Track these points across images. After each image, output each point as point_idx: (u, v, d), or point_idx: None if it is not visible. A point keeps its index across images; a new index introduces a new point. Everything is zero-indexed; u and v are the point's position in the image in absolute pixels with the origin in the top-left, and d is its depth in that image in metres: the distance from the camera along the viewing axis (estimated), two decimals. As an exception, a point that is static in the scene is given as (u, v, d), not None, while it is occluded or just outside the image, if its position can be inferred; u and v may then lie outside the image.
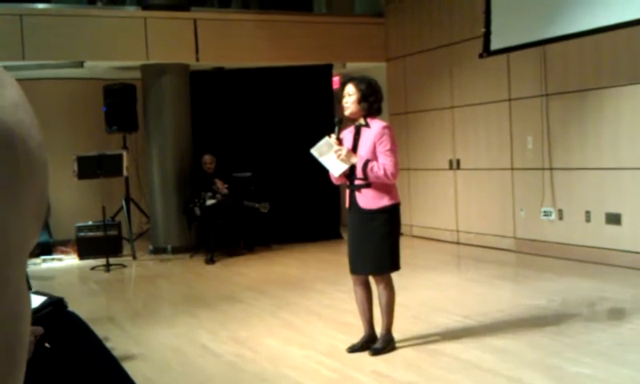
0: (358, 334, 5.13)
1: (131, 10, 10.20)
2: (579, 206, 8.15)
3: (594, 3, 7.40)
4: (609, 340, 5.04)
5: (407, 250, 9.64)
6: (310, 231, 10.77)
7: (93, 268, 9.26)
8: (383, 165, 4.73)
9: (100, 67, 10.45)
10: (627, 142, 7.57)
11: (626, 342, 5.01)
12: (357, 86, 4.85)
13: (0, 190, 0.59)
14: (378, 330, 5.05)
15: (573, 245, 8.22)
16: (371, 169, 4.74)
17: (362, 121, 4.89)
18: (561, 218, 8.41)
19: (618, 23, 7.12)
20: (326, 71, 11.08)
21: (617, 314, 5.88)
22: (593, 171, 7.98)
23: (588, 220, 8.05)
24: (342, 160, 4.81)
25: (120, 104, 10.37)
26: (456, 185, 10.09)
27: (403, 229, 10.65)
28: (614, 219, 7.73)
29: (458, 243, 10.02)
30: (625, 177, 7.60)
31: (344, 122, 5.04)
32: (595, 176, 7.95)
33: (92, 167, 9.54)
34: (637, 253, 7.46)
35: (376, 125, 4.85)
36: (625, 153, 7.60)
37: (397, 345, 5.05)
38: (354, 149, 4.86)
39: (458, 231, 10.10)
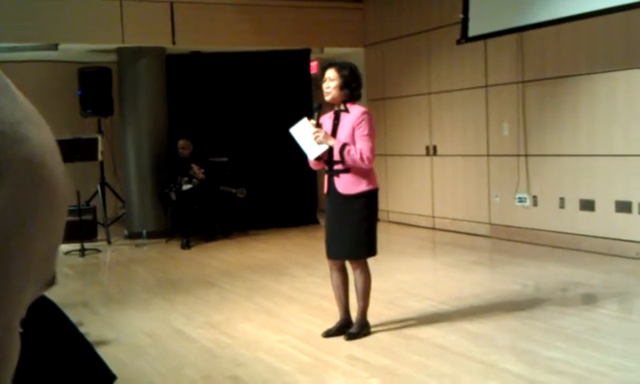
0: (333, 318, 5.14)
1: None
2: (553, 193, 8.22)
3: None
4: (581, 324, 5.10)
5: (383, 235, 9.66)
6: (287, 216, 10.76)
7: (67, 253, 9.18)
8: (360, 149, 4.73)
9: (75, 50, 10.32)
10: (602, 129, 7.63)
11: (598, 326, 5.07)
12: (339, 72, 4.84)
13: (38, 221, 0.55)
14: (354, 314, 5.07)
15: (547, 231, 8.30)
16: (348, 152, 4.73)
17: (341, 106, 4.88)
18: (535, 204, 8.48)
19: (594, 10, 7.16)
20: (303, 56, 11.05)
21: (589, 299, 5.95)
22: (567, 158, 8.04)
23: (562, 206, 8.12)
24: (320, 142, 4.81)
25: (95, 87, 10.26)
26: (432, 171, 10.13)
27: (380, 214, 10.70)
28: (587, 206, 7.81)
29: (433, 229, 10.07)
30: (599, 164, 7.67)
31: (323, 108, 5.03)
32: (570, 163, 8.01)
33: (66, 151, 9.30)
34: (609, 239, 7.55)
35: (355, 110, 4.85)
36: (599, 140, 7.67)
37: (372, 329, 5.07)
38: (334, 134, 4.85)
39: (433, 217, 10.14)
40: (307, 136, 4.86)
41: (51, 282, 0.60)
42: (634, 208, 7.30)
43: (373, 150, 4.78)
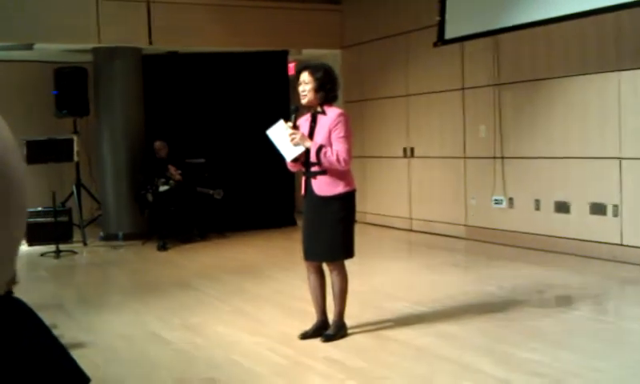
0: (310, 320, 5.13)
1: (83, -8, 9.99)
2: (529, 195, 8.29)
3: (546, -6, 7.50)
4: (556, 326, 5.14)
5: (361, 237, 9.63)
6: (265, 218, 10.74)
7: (42, 254, 9.09)
8: (336, 151, 4.74)
9: (50, 50, 10.22)
10: (576, 132, 7.71)
11: (573, 327, 5.12)
12: (313, 75, 4.83)
13: None
14: (331, 316, 5.07)
15: (522, 232, 8.36)
16: (324, 154, 4.74)
17: (318, 108, 4.88)
18: (511, 206, 8.54)
19: (569, 14, 7.22)
20: (281, 57, 11.04)
21: (564, 301, 6.00)
22: (543, 160, 8.11)
23: (537, 208, 8.19)
24: (296, 144, 4.80)
25: (71, 88, 10.16)
26: (410, 173, 10.16)
27: (357, 216, 10.70)
28: (562, 208, 7.88)
29: (410, 230, 10.11)
30: (574, 166, 7.74)
31: (300, 110, 5.02)
32: (545, 165, 8.08)
33: (42, 152, 9.35)
34: (584, 240, 7.62)
35: (332, 112, 4.84)
36: (574, 143, 7.74)
37: (349, 331, 5.07)
38: (311, 136, 4.85)
39: (411, 218, 10.18)
40: (284, 138, 4.85)
41: (12, 280, 0.59)
42: (609, 210, 7.38)
43: (349, 151, 4.78)
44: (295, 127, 4.86)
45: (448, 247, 8.79)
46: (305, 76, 4.85)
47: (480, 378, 4.15)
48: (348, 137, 4.80)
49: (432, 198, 9.76)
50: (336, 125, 4.78)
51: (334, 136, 4.77)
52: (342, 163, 4.74)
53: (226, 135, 10.63)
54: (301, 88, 4.87)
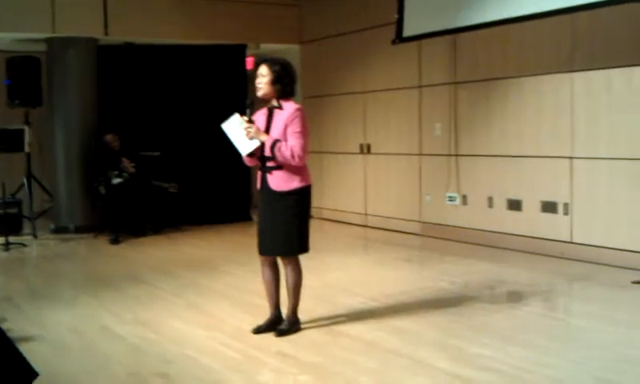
0: (263, 314, 5.12)
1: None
2: (482, 192, 8.40)
3: (502, -5, 7.60)
4: (507, 321, 5.22)
5: (316, 232, 9.67)
6: (220, 212, 10.68)
7: (-10, 247, 8.90)
8: (291, 146, 4.73)
9: (3, 39, 9.99)
10: (530, 131, 7.83)
11: (523, 323, 5.20)
12: (270, 68, 4.82)
13: None
14: (284, 311, 5.06)
15: (475, 229, 8.47)
16: (279, 148, 4.72)
17: (274, 103, 4.86)
18: (465, 203, 8.64)
19: (525, 15, 7.32)
20: (239, 51, 10.98)
21: (515, 297, 6.10)
22: (496, 158, 8.22)
23: (490, 206, 8.30)
24: (251, 138, 4.78)
25: (23, 77, 9.95)
26: (366, 169, 10.21)
27: (313, 211, 10.70)
28: (514, 205, 8.00)
29: (365, 226, 10.15)
30: (526, 164, 7.86)
31: (255, 104, 5.00)
32: (499, 163, 8.19)
33: (-8, 141, 9.18)
34: (535, 238, 7.75)
35: (289, 107, 4.83)
36: (527, 141, 7.86)
37: (302, 326, 5.07)
38: (267, 131, 4.83)
39: (366, 214, 10.23)
40: (239, 132, 4.83)
41: None
42: (559, 208, 7.51)
43: (304, 147, 4.77)
44: (250, 121, 4.84)
45: (403, 243, 8.85)
46: (262, 69, 4.84)
47: (432, 372, 4.19)
48: (304, 133, 4.79)
49: (388, 195, 9.81)
50: (292, 120, 4.77)
51: (289, 131, 4.76)
52: (296, 159, 4.73)
53: (182, 128, 10.54)
54: (257, 80, 4.85)
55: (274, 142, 4.74)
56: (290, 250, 4.91)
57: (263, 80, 4.82)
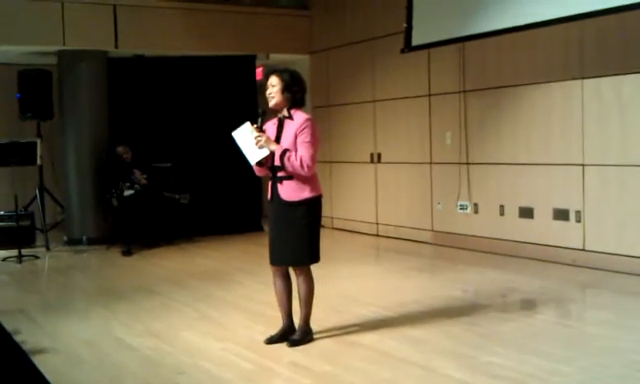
0: (276, 325, 5.12)
1: (48, -6, 9.88)
2: (494, 200, 8.38)
3: (511, 2, 7.60)
4: (519, 330, 5.21)
5: (328, 241, 9.69)
6: (232, 223, 10.70)
7: (4, 259, 8.94)
8: (300, 156, 4.74)
9: (14, 52, 10.08)
10: (540, 139, 7.81)
11: (536, 331, 5.18)
12: (280, 77, 4.86)
13: None
14: (297, 321, 5.06)
15: (487, 238, 8.45)
16: (288, 158, 4.74)
17: (285, 112, 4.88)
18: (476, 211, 8.63)
19: (534, 23, 7.32)
20: (249, 62, 11.02)
21: (527, 305, 6.08)
22: (507, 166, 8.21)
23: (502, 214, 8.28)
24: (261, 146, 4.81)
25: (35, 90, 10.02)
26: (376, 178, 10.21)
27: (324, 221, 10.72)
28: (526, 213, 7.98)
29: (377, 235, 10.15)
30: (538, 172, 7.85)
31: (267, 115, 5.01)
32: (510, 171, 8.18)
33: (4, 155, 9.26)
34: (547, 245, 7.73)
35: (299, 117, 4.85)
36: (538, 149, 7.84)
37: (315, 336, 5.07)
38: (277, 141, 4.85)
39: (377, 224, 10.22)
40: (249, 140, 4.85)
41: None
42: (571, 215, 7.49)
43: (313, 157, 4.78)
44: (261, 129, 4.87)
45: (414, 252, 8.84)
46: (272, 79, 4.87)
47: (445, 381, 4.18)
48: (313, 142, 4.80)
49: (399, 204, 9.81)
50: (302, 129, 4.79)
51: (299, 140, 4.77)
52: (305, 169, 4.74)
53: (193, 140, 10.58)
54: (268, 91, 4.88)
55: (284, 152, 4.75)
56: (301, 260, 4.91)
57: (274, 90, 4.85)
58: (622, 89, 6.97)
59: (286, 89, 4.83)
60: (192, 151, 10.56)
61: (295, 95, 4.87)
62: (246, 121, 4.98)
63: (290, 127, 4.83)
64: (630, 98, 6.91)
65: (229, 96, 10.74)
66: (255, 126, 4.87)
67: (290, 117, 4.86)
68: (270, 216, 5.04)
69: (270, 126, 4.95)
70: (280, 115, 4.92)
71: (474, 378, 4.19)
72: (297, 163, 4.73)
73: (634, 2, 6.39)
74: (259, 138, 4.80)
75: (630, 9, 6.49)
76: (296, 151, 4.76)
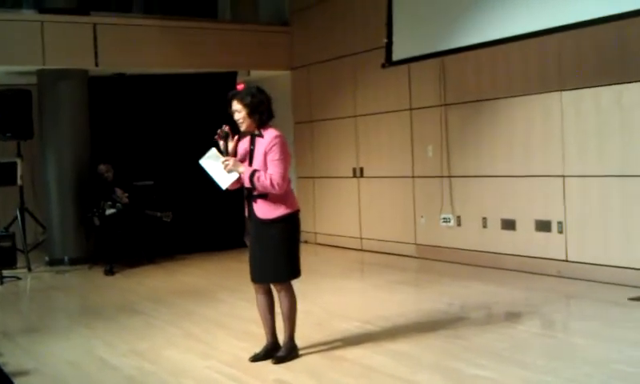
0: (260, 342, 5.10)
1: (27, 14, 9.83)
2: (476, 213, 8.41)
3: (489, 17, 7.66)
4: (504, 342, 5.21)
5: (311, 257, 9.70)
6: (214, 240, 10.65)
7: (-16, 281, 8.85)
8: (270, 175, 4.72)
9: (-8, 72, 10.03)
10: (520, 151, 7.86)
11: (520, 343, 5.19)
12: (242, 102, 4.81)
13: None
14: (281, 337, 5.04)
15: (470, 250, 8.47)
16: (257, 178, 4.72)
17: (255, 131, 4.86)
18: (459, 224, 8.65)
19: (512, 36, 7.39)
20: (230, 79, 11.01)
21: (511, 317, 6.09)
22: (489, 179, 8.25)
23: (485, 226, 8.31)
24: (230, 170, 4.80)
25: (14, 110, 9.93)
26: (359, 192, 10.22)
27: (307, 236, 10.73)
28: (508, 225, 8.02)
29: (361, 250, 10.15)
30: (519, 184, 7.89)
31: (230, 135, 4.92)
32: (491, 183, 8.22)
33: (-17, 176, 9.16)
34: (530, 257, 7.76)
35: (268, 134, 4.82)
36: (518, 161, 7.89)
37: (300, 352, 5.05)
38: (251, 159, 4.83)
39: (361, 238, 10.22)
40: (217, 166, 4.85)
41: None
42: (553, 227, 7.53)
43: (283, 175, 4.74)
44: (228, 152, 4.84)
45: (398, 266, 8.84)
46: (235, 105, 4.84)
47: (430, 395, 4.17)
48: (282, 159, 4.76)
49: (382, 218, 9.82)
50: (271, 147, 4.77)
51: (268, 159, 4.76)
52: (276, 187, 4.72)
53: (174, 157, 10.52)
54: (235, 116, 4.86)
55: (253, 173, 4.74)
56: (280, 277, 4.89)
57: (240, 115, 4.82)
58: (601, 100, 7.04)
59: (252, 112, 4.80)
60: (173, 169, 10.51)
61: (262, 115, 4.84)
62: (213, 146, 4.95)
63: (260, 145, 4.82)
64: (609, 109, 6.98)
65: (210, 113, 10.67)
66: (221, 148, 4.81)
67: (261, 135, 4.84)
68: (250, 233, 5.02)
69: (244, 143, 4.94)
70: (251, 134, 4.88)
71: (459, 391, 4.18)
72: (267, 182, 4.71)
73: (609, 14, 6.46)
74: (227, 162, 4.79)
75: (606, 21, 6.56)
76: (266, 169, 4.74)
